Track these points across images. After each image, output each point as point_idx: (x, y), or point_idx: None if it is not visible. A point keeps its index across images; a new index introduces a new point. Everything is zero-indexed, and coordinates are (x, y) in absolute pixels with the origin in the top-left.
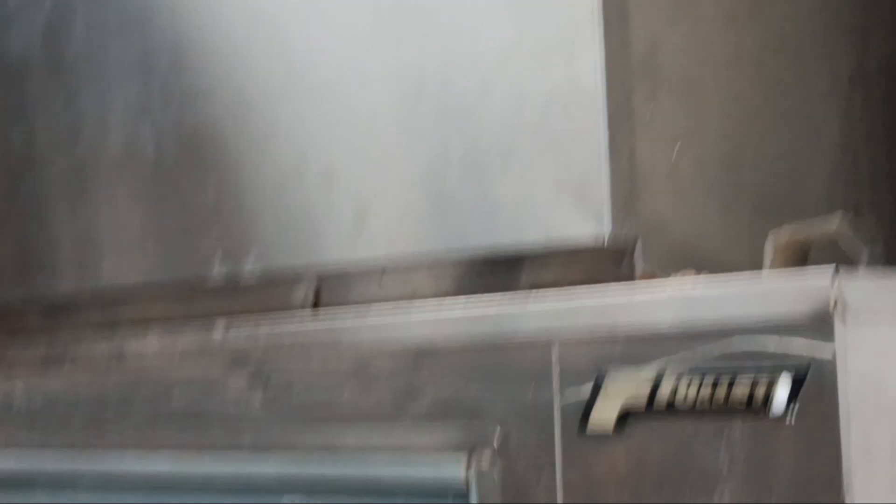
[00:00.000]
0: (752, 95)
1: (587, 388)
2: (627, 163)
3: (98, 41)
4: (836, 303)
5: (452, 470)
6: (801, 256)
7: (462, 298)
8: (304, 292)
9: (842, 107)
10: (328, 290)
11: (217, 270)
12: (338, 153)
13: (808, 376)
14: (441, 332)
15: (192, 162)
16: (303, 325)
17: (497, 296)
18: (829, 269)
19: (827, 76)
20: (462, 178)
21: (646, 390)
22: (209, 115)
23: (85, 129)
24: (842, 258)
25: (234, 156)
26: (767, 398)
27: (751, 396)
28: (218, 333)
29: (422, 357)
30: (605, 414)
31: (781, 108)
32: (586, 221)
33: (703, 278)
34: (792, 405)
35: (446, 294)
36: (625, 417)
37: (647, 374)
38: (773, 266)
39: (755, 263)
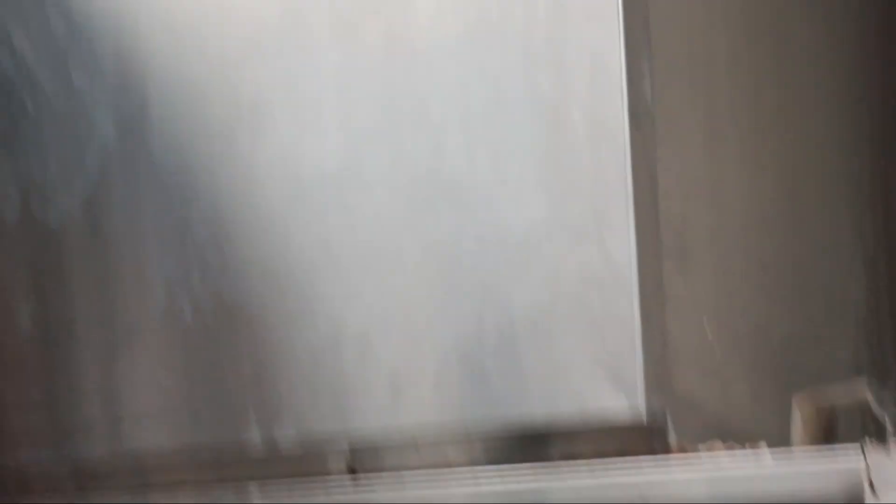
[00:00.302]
0: (779, 265)
1: None
2: (659, 338)
3: (138, 212)
4: (867, 480)
5: None
6: (828, 423)
7: (495, 469)
8: (338, 460)
9: (866, 271)
10: (362, 458)
11: (252, 438)
12: (373, 324)
13: None
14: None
15: (229, 330)
16: (338, 493)
17: (531, 467)
18: (857, 446)
19: (851, 242)
20: (495, 351)
21: None
22: (246, 287)
23: (122, 298)
24: (869, 423)
25: (270, 324)
26: None
27: None
28: (252, 498)
29: None
30: None
31: (807, 275)
32: (619, 396)
33: (735, 454)
34: None
35: (479, 464)
36: None
37: None
38: (800, 433)
39: (784, 431)
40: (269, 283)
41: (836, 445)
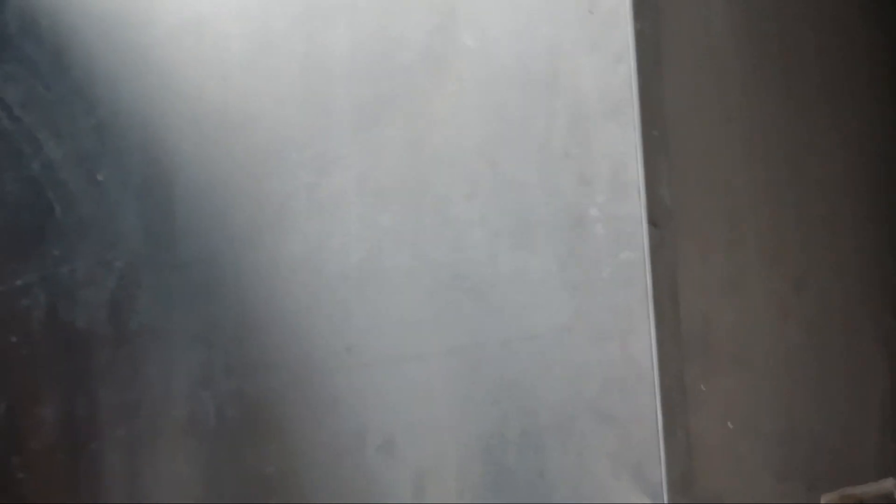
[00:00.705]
0: (802, 363)
1: None
2: (683, 438)
3: (162, 313)
4: None
5: None
6: None
7: None
8: None
9: (890, 368)
10: None
11: None
12: (397, 426)
13: None
14: None
15: (253, 432)
16: None
17: None
18: None
19: (873, 334)
20: (519, 452)
21: None
22: (270, 386)
23: (147, 399)
24: None
25: (294, 426)
26: None
27: None
28: None
29: None
30: None
31: (830, 371)
32: (643, 495)
33: None
34: None
35: None
36: None
37: None
38: None
39: None
40: (293, 384)
41: None
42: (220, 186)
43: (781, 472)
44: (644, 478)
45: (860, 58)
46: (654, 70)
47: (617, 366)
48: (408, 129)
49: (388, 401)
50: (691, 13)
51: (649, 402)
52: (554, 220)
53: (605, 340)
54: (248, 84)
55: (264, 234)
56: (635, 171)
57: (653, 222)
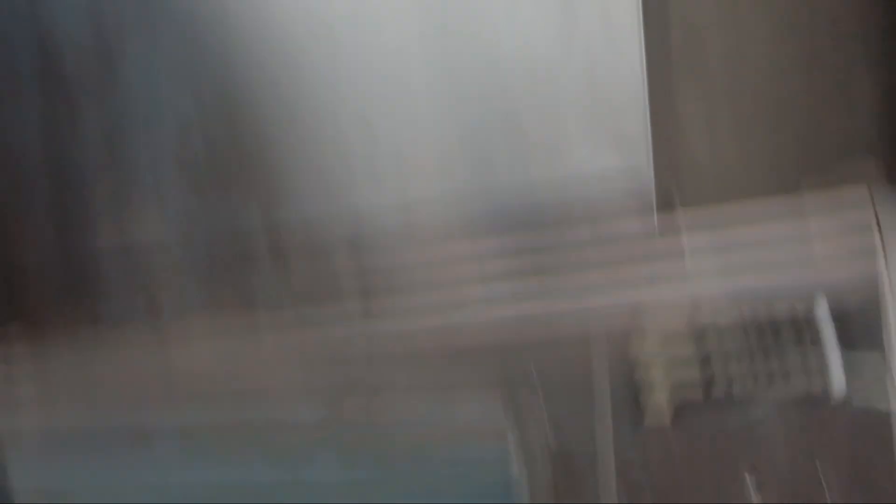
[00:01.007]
0: (791, 73)
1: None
2: (665, 104)
3: (149, 50)
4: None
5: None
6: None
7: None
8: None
9: (874, 76)
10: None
11: (254, 223)
12: (374, 105)
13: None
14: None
15: (240, 160)
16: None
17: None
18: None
19: (862, 47)
20: (499, 124)
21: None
22: (259, 109)
23: (136, 134)
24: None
25: (271, 110)
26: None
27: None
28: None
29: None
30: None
31: (818, 83)
32: (624, 153)
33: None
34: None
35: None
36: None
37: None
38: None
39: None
40: (280, 105)
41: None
42: None
43: (763, 140)
44: (624, 135)
45: None
46: None
47: (607, 86)
48: None
49: (363, 80)
50: None
51: (633, 70)
52: None
53: (596, 61)
54: None
55: None
56: None
57: None
